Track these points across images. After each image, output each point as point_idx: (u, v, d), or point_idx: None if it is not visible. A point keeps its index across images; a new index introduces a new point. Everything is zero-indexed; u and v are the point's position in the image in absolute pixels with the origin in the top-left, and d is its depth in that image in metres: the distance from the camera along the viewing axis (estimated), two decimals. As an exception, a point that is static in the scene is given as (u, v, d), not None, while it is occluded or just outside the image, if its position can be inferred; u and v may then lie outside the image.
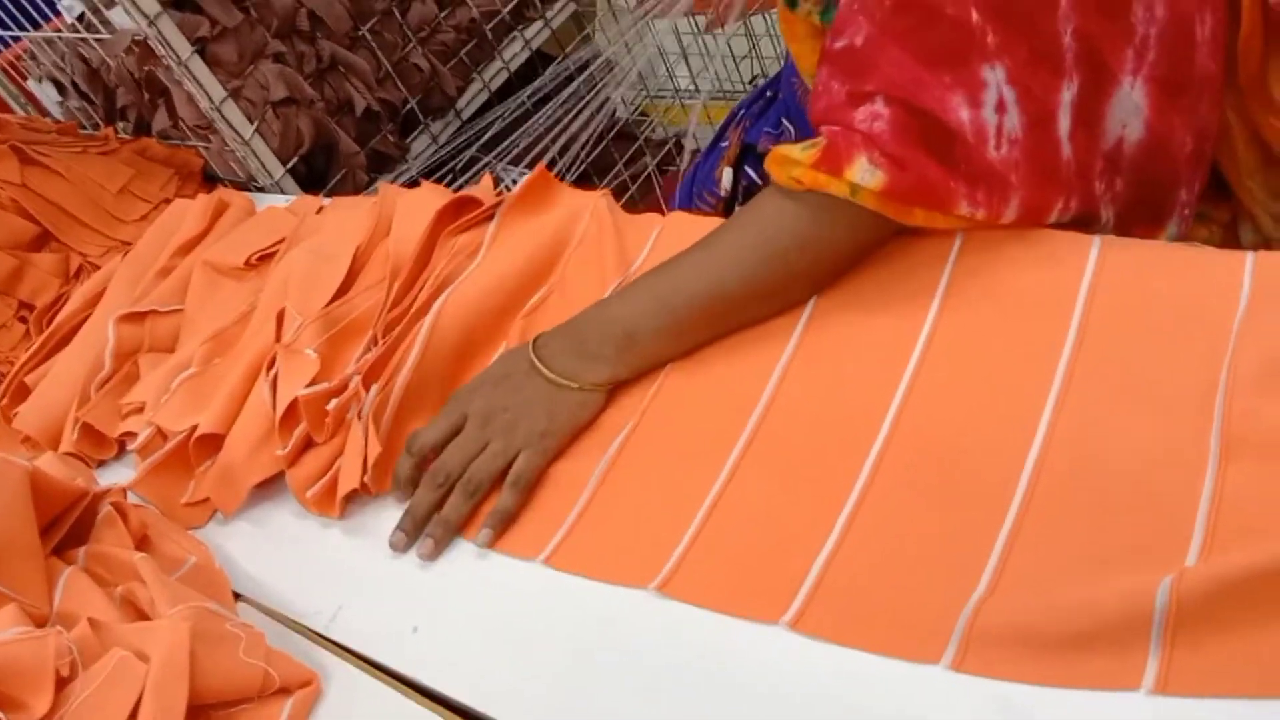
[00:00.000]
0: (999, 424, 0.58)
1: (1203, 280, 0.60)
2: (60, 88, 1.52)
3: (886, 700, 0.50)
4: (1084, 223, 0.67)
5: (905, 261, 0.69)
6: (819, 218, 0.66)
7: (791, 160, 0.65)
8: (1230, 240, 0.74)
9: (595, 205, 0.85)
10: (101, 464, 0.89)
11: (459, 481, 0.68)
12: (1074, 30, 0.61)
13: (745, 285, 0.69)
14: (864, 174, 0.62)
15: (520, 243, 0.84)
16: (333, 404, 0.73)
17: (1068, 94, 0.62)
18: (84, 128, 1.45)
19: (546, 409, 0.69)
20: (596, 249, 0.82)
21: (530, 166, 1.60)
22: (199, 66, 1.20)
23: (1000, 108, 0.62)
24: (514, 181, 1.60)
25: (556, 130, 1.63)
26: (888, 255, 0.70)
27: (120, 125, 1.43)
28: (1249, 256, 0.60)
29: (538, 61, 1.65)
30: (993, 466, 0.56)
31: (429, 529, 0.68)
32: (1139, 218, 0.69)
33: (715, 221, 0.75)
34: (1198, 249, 0.63)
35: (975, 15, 0.60)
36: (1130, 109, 0.64)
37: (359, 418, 0.72)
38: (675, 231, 0.81)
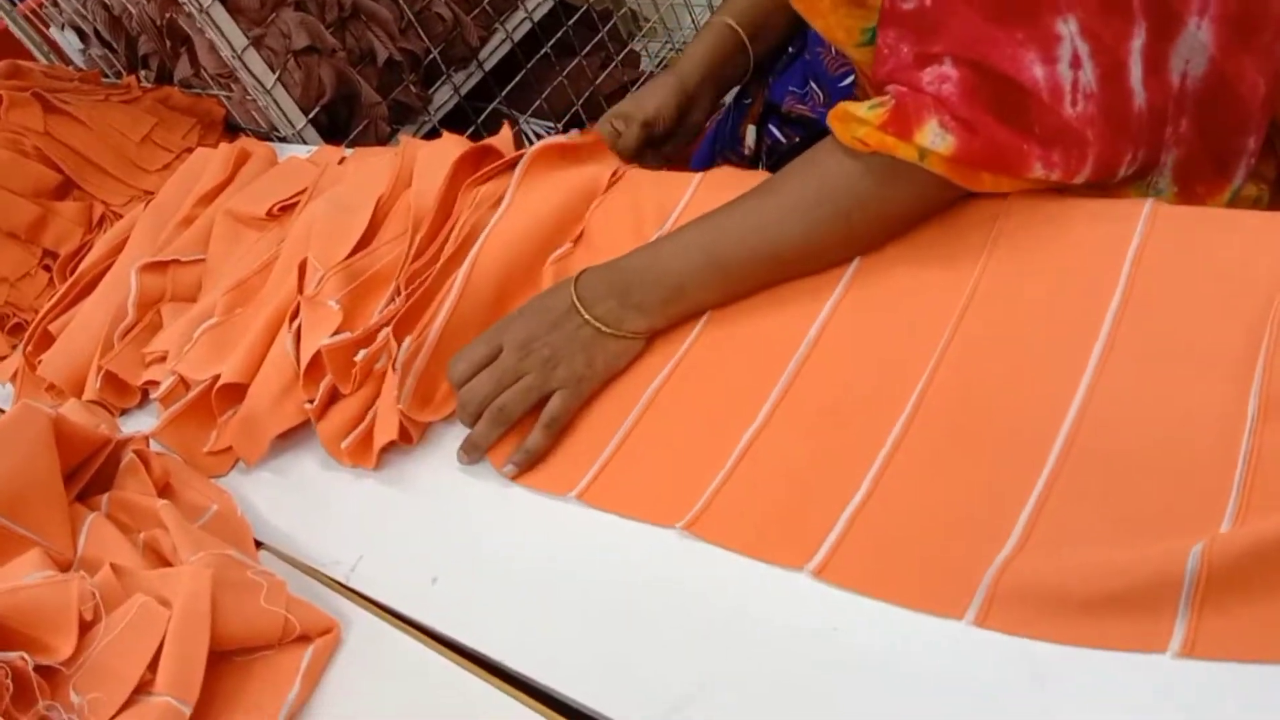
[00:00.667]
0: (1038, 382, 0.58)
1: (1252, 242, 0.59)
2: (82, 35, 1.52)
3: (907, 653, 0.50)
4: (1142, 171, 0.65)
5: (953, 220, 0.68)
6: (883, 180, 0.65)
7: (857, 119, 0.63)
8: (1276, 197, 0.72)
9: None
10: (124, 412, 0.89)
11: (489, 407, 0.69)
12: None
13: (801, 243, 0.67)
14: (934, 138, 0.60)
15: (549, 191, 0.83)
16: (361, 355, 0.73)
17: (1138, 41, 0.60)
18: (106, 76, 1.45)
19: (586, 353, 0.69)
20: (632, 197, 0.81)
21: (551, 118, 1.59)
22: (220, 14, 1.19)
23: (1075, 62, 0.59)
24: (535, 133, 1.58)
25: (579, 82, 1.61)
26: (937, 214, 0.69)
27: (142, 74, 1.42)
28: None
29: (560, 11, 1.62)
30: (1029, 424, 0.56)
31: (460, 448, 0.69)
32: (1204, 169, 0.67)
33: (756, 176, 0.73)
34: (1248, 213, 0.62)
35: None
36: (1195, 48, 0.62)
37: (393, 369, 0.72)
38: (715, 183, 0.80)
